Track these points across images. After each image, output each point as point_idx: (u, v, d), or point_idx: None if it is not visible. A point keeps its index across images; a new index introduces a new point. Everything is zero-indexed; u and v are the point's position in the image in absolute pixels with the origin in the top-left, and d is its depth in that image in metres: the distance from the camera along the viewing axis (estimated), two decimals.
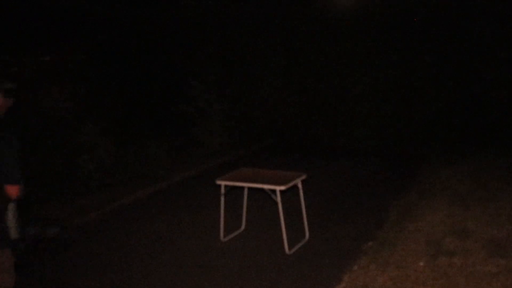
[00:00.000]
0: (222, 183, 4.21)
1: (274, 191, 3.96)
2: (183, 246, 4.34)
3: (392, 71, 8.57)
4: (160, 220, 5.08)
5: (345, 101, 9.01)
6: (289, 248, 4.05)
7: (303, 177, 4.16)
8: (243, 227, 4.66)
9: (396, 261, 3.60)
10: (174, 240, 4.49)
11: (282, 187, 3.82)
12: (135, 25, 8.31)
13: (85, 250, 4.35)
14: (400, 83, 8.56)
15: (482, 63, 7.96)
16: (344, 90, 9.00)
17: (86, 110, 6.62)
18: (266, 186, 3.91)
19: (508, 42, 7.72)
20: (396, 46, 8.45)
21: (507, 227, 4.10)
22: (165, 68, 8.67)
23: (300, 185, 4.17)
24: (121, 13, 8.10)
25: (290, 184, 3.90)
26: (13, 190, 2.45)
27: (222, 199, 4.14)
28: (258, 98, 9.58)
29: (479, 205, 4.70)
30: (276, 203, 4.01)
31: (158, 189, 6.35)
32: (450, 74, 8.22)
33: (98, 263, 4.02)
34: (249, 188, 4.58)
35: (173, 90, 8.66)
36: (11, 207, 2.54)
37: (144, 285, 3.57)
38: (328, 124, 9.11)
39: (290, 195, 4.66)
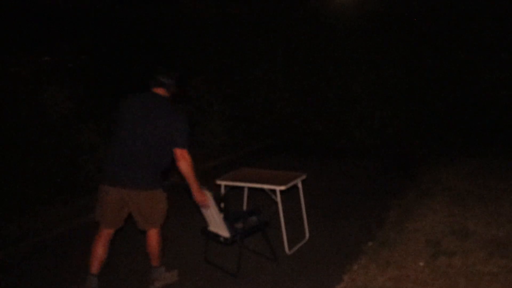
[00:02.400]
0: (222, 183, 4.21)
1: (274, 191, 3.96)
2: (183, 246, 4.34)
3: (392, 71, 8.57)
4: None
5: (345, 101, 9.01)
6: (289, 248, 4.05)
7: (303, 177, 4.16)
8: None
9: (396, 261, 3.60)
10: (173, 240, 4.49)
11: (282, 187, 3.82)
12: (135, 25, 8.31)
13: (86, 251, 4.35)
14: (401, 83, 8.56)
15: (482, 63, 7.96)
16: (345, 90, 9.00)
17: (86, 110, 6.62)
18: (266, 186, 3.90)
19: (508, 42, 7.72)
20: (396, 46, 8.45)
21: (507, 227, 4.10)
22: (165, 67, 8.65)
23: (300, 185, 4.17)
24: (121, 13, 8.10)
25: (290, 184, 3.90)
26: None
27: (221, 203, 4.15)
28: (258, 98, 9.58)
29: (479, 205, 4.70)
30: (276, 203, 4.01)
31: None
32: (450, 74, 8.22)
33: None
34: (249, 188, 4.58)
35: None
36: None
37: (146, 284, 3.57)
38: (328, 124, 9.11)
39: (290, 195, 4.66)
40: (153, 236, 3.41)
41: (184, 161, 3.17)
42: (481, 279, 3.22)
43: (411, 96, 8.53)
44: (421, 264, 3.52)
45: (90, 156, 6.19)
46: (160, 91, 3.28)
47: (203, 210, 3.65)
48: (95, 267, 3.32)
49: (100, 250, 3.34)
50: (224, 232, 3.52)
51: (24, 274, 3.93)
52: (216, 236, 3.60)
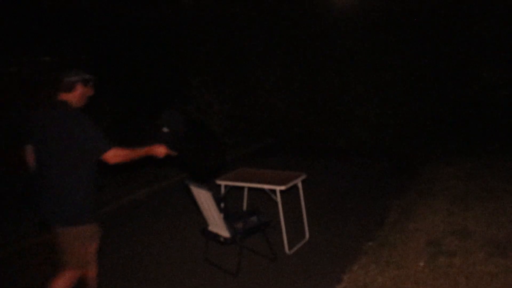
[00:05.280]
0: (222, 183, 4.22)
1: (274, 191, 3.96)
2: (183, 246, 4.34)
3: (392, 72, 8.58)
4: (159, 220, 5.08)
5: (345, 101, 9.02)
6: (289, 248, 4.05)
7: (303, 177, 4.16)
8: None
9: (396, 261, 3.60)
10: (173, 240, 4.49)
11: (282, 187, 3.82)
12: (135, 25, 8.31)
13: None
14: (400, 83, 8.57)
15: (482, 63, 7.96)
16: (345, 90, 9.00)
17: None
18: (266, 186, 3.91)
19: (508, 42, 7.72)
20: (396, 47, 8.46)
21: (507, 227, 4.10)
22: (165, 68, 8.67)
23: (300, 185, 4.17)
24: (121, 12, 8.10)
25: (290, 184, 3.90)
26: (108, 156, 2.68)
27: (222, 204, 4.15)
28: (258, 98, 9.58)
29: (479, 205, 4.70)
30: (276, 203, 4.01)
31: (158, 189, 6.35)
32: (450, 74, 8.22)
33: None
34: (249, 188, 4.58)
35: (173, 90, 8.66)
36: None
37: (146, 285, 3.57)
38: (328, 124, 9.11)
39: (290, 195, 4.67)
40: (66, 277, 2.78)
41: (118, 158, 2.72)
42: (481, 279, 3.22)
43: (411, 96, 8.53)
44: (421, 264, 3.52)
45: None
46: (63, 96, 2.78)
47: (203, 210, 3.65)
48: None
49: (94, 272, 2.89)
50: (224, 232, 3.52)
51: (24, 274, 3.93)
52: (216, 236, 3.60)
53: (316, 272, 3.65)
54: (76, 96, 2.81)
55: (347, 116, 8.98)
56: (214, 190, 3.49)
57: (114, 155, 2.68)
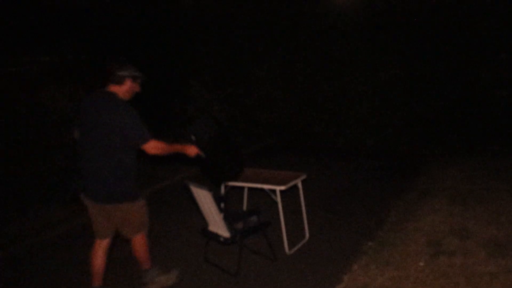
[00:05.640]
0: None
1: (274, 191, 3.96)
2: (183, 245, 4.34)
3: (392, 71, 8.58)
4: (159, 220, 5.08)
5: (345, 101, 9.02)
6: (289, 248, 4.05)
7: (303, 177, 4.16)
8: None
9: (396, 261, 3.60)
10: (173, 240, 4.49)
11: (282, 187, 3.82)
12: (135, 25, 8.31)
13: (86, 251, 4.35)
14: (401, 83, 8.57)
15: (482, 63, 7.96)
16: (345, 90, 9.00)
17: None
18: (266, 186, 3.91)
19: (508, 42, 7.72)
20: (396, 47, 8.46)
21: (507, 227, 4.10)
22: (165, 67, 8.67)
23: (300, 185, 4.17)
24: (121, 12, 8.10)
25: (290, 184, 3.90)
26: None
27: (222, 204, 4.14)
28: (258, 98, 9.58)
29: (479, 205, 4.70)
30: (276, 203, 4.01)
31: (158, 189, 6.35)
32: (450, 74, 8.22)
33: None
34: (249, 188, 4.58)
35: (173, 90, 8.65)
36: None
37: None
38: (328, 124, 9.11)
39: (290, 195, 4.67)
40: (136, 242, 3.27)
41: (157, 150, 3.00)
42: (481, 279, 3.22)
43: (411, 96, 8.53)
44: (421, 264, 3.52)
45: None
46: (113, 88, 3.04)
47: (203, 210, 3.65)
48: (97, 281, 3.25)
49: (97, 262, 3.23)
50: (224, 232, 3.52)
51: (24, 274, 3.93)
52: (216, 236, 3.60)
53: (316, 272, 3.65)
54: (124, 89, 3.06)
55: (347, 116, 8.97)
56: (214, 190, 3.49)
57: (153, 146, 2.96)
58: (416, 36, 8.29)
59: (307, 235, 4.36)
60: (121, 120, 2.87)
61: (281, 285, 3.48)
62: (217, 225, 3.56)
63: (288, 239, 4.05)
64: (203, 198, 3.50)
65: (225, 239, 3.51)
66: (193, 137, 3.32)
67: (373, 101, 8.78)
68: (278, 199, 3.93)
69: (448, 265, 3.45)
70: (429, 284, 3.21)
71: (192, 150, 3.27)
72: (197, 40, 9.15)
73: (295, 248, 4.11)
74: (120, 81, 3.03)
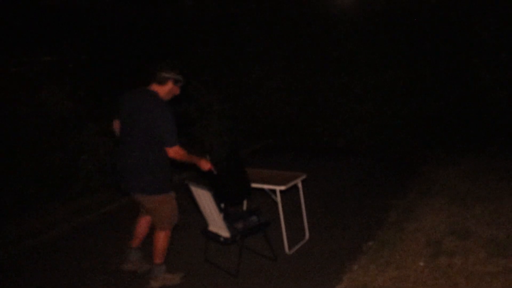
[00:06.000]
0: None
1: (274, 191, 3.96)
2: (183, 245, 4.34)
3: (392, 72, 8.58)
4: None
5: (345, 101, 9.02)
6: (289, 248, 4.05)
7: (303, 177, 4.16)
8: None
9: (396, 261, 3.60)
10: (173, 240, 4.48)
11: (282, 187, 3.82)
12: (135, 25, 8.31)
13: (86, 251, 4.36)
14: (401, 83, 8.57)
15: (482, 63, 7.96)
16: (345, 90, 9.00)
17: (86, 110, 6.62)
18: (266, 186, 3.90)
19: (508, 42, 7.72)
20: (396, 47, 8.46)
21: (507, 227, 4.10)
22: (166, 62, 8.65)
23: (300, 185, 4.17)
24: (121, 12, 8.10)
25: (290, 184, 3.90)
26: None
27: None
28: (258, 98, 9.58)
29: (479, 205, 4.70)
30: (276, 203, 4.01)
31: None
32: (450, 74, 8.23)
33: (98, 263, 4.02)
34: None
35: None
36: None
37: (146, 284, 3.57)
38: (328, 124, 9.11)
39: (290, 195, 4.67)
40: (158, 236, 3.44)
41: (177, 156, 3.20)
42: (481, 279, 3.22)
43: (411, 96, 8.53)
44: (421, 264, 3.52)
45: (90, 156, 6.19)
46: (155, 87, 3.26)
47: (203, 210, 3.65)
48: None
49: (139, 228, 3.62)
50: (224, 232, 3.52)
51: (24, 274, 3.93)
52: (216, 236, 3.60)
53: (316, 272, 3.65)
54: (165, 90, 3.26)
55: (347, 116, 8.97)
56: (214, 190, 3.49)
57: (175, 151, 3.16)
58: (416, 36, 8.29)
59: (307, 235, 4.36)
60: (157, 120, 3.09)
61: (281, 285, 3.48)
62: (217, 225, 3.56)
63: (288, 239, 4.05)
64: (203, 198, 3.50)
65: (225, 239, 3.51)
66: (207, 157, 3.50)
67: (373, 101, 8.78)
68: (278, 199, 3.93)
69: (448, 265, 3.45)
70: (429, 284, 3.21)
71: (206, 165, 3.39)
72: (197, 40, 9.14)
73: (295, 248, 4.11)
74: (162, 82, 3.23)
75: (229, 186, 3.62)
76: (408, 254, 3.71)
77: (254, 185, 3.98)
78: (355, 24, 8.76)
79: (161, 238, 3.43)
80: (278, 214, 3.99)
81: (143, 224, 3.64)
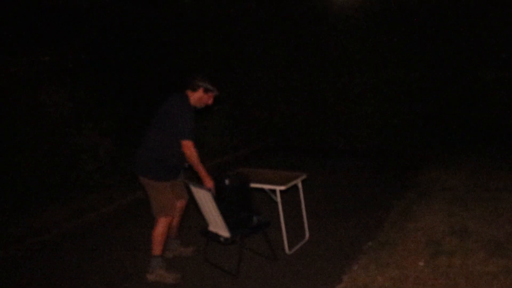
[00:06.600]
0: None
1: (274, 191, 3.96)
2: (183, 245, 4.33)
3: (392, 72, 8.58)
4: None
5: (345, 101, 9.02)
6: (289, 248, 4.05)
7: (303, 177, 4.16)
8: None
9: (396, 261, 3.60)
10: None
11: (282, 187, 3.82)
12: (135, 25, 8.31)
13: (86, 250, 4.36)
14: (401, 83, 8.57)
15: (482, 63, 7.97)
16: (345, 90, 9.00)
17: (86, 110, 6.62)
18: (266, 186, 3.90)
19: (508, 42, 7.72)
20: (396, 47, 8.46)
21: (507, 227, 4.10)
22: (165, 67, 8.66)
23: (300, 185, 4.17)
24: (121, 12, 8.10)
25: (290, 184, 3.90)
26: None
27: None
28: (258, 98, 9.58)
29: (479, 205, 4.70)
30: (276, 203, 4.01)
31: None
32: (450, 74, 8.23)
33: (98, 263, 4.02)
34: None
35: (173, 90, 8.63)
36: None
37: (146, 284, 3.57)
38: (328, 124, 9.11)
39: (290, 195, 4.66)
40: (157, 225, 3.58)
41: (187, 151, 3.41)
42: (481, 279, 3.22)
43: (411, 96, 8.53)
44: (421, 264, 3.52)
45: (90, 156, 6.19)
46: (188, 92, 3.62)
47: (203, 210, 3.65)
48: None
49: (175, 220, 3.86)
50: (224, 232, 3.52)
51: (24, 274, 3.93)
52: (216, 236, 3.60)
53: (316, 272, 3.65)
54: (195, 96, 3.62)
55: (347, 116, 8.98)
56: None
57: (189, 146, 3.41)
58: (417, 36, 8.29)
59: (307, 235, 4.36)
60: (177, 114, 3.42)
61: (281, 285, 3.47)
62: (217, 225, 3.56)
63: (288, 239, 4.04)
64: (203, 198, 3.50)
65: (225, 239, 3.51)
66: (226, 181, 3.57)
67: (373, 101, 8.78)
68: (278, 199, 3.93)
69: (448, 265, 3.45)
70: (429, 284, 3.21)
71: (209, 183, 3.50)
72: (197, 40, 9.14)
73: (295, 248, 4.10)
74: (194, 88, 3.60)
75: (230, 212, 3.57)
76: (408, 254, 3.70)
77: (254, 185, 3.97)
78: (355, 24, 8.76)
79: (159, 226, 3.55)
80: (278, 214, 3.98)
81: (176, 218, 3.87)
